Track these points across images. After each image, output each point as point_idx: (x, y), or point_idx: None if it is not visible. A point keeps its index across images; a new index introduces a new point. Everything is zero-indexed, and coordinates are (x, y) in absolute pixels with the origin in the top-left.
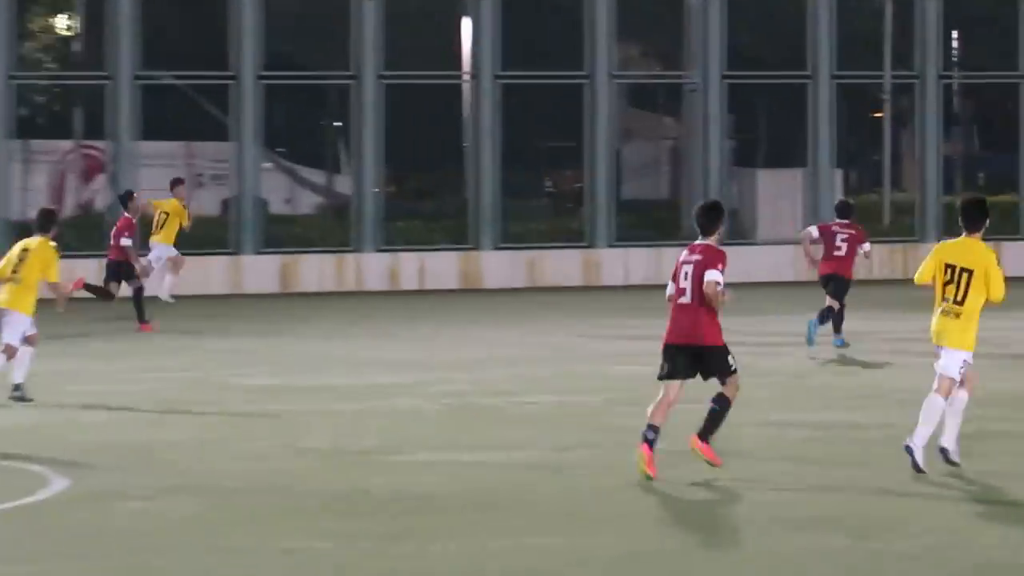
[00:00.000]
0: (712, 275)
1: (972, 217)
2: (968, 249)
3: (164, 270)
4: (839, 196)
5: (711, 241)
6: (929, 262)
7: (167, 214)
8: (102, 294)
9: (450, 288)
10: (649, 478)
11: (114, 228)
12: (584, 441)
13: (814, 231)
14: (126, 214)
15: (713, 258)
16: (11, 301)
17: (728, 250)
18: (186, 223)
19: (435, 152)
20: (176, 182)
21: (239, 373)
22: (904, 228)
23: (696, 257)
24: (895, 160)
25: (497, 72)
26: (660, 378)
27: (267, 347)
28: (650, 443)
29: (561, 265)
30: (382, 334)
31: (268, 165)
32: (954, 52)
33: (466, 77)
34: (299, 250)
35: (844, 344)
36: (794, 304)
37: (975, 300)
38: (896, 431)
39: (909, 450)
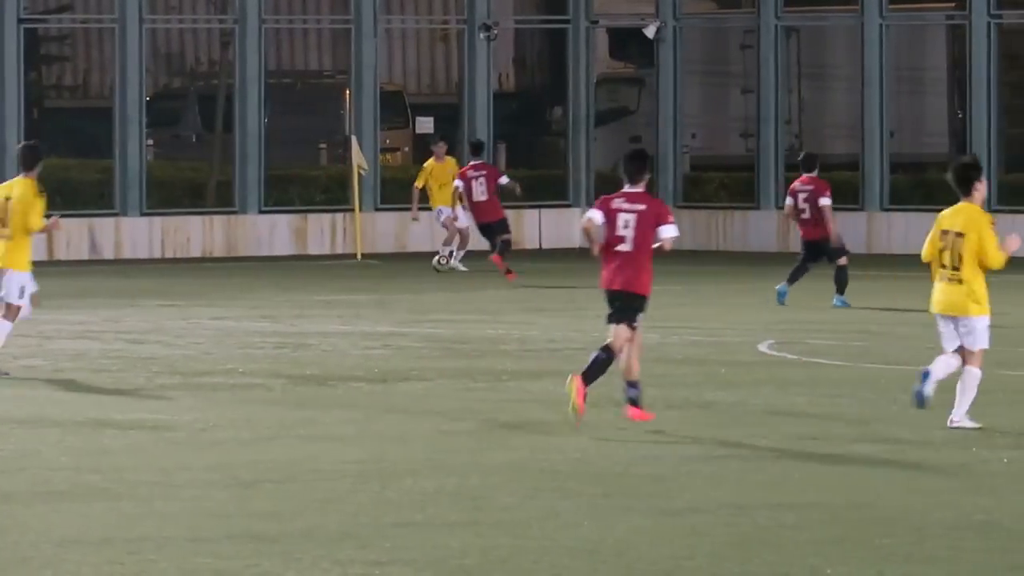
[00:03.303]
0: (668, 230)
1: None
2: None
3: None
4: None
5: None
6: (935, 233)
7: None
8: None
9: None
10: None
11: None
12: None
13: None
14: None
15: (663, 211)
16: (4, 259)
17: None
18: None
19: None
20: (439, 138)
21: None
22: None
23: (640, 207)
24: None
25: None
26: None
27: None
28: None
29: None
30: None
31: None
32: None
33: None
34: None
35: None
36: None
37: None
38: None
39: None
